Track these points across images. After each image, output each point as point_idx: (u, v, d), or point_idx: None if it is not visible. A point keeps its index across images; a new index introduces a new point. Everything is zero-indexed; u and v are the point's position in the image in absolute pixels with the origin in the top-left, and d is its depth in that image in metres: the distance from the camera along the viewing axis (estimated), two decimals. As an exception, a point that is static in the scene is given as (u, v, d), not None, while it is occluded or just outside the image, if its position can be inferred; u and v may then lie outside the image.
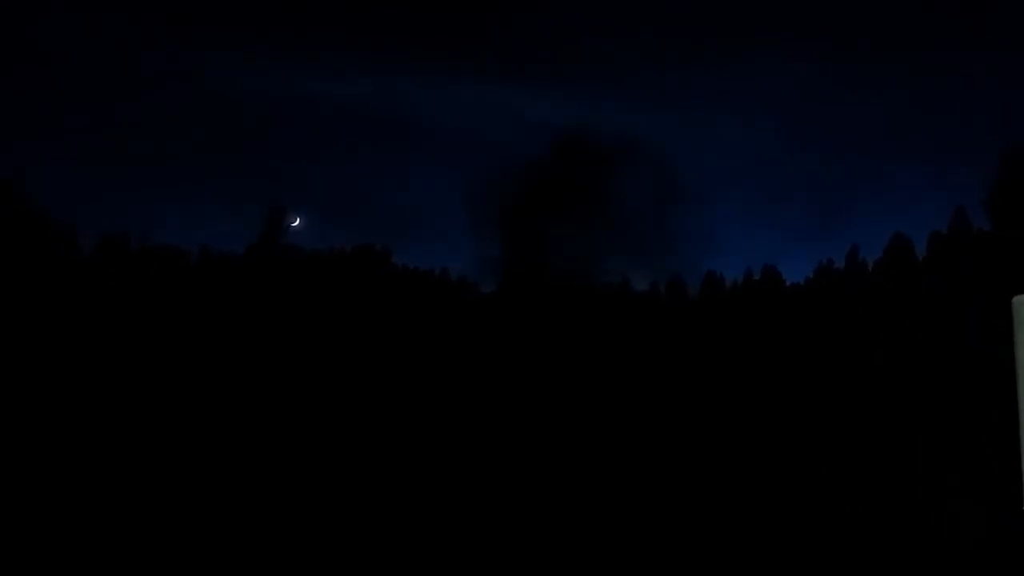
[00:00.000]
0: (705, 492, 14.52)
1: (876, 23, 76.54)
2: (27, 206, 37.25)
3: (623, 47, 65.98)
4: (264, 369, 25.51)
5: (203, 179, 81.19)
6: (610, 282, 38.44)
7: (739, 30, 68.92)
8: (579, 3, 74.23)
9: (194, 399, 21.52)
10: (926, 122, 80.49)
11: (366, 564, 11.28)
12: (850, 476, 14.31)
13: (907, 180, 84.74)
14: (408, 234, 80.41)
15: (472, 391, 24.24)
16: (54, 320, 27.09)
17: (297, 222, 45.73)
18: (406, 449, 17.99)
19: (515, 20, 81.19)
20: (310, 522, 12.78)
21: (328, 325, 32.89)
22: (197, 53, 78.23)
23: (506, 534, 12.38)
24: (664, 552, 11.94)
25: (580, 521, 12.94)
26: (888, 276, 40.26)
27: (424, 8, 72.20)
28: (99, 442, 16.89)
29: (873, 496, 12.88)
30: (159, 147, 71.59)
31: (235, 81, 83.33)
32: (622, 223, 36.22)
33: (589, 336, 30.88)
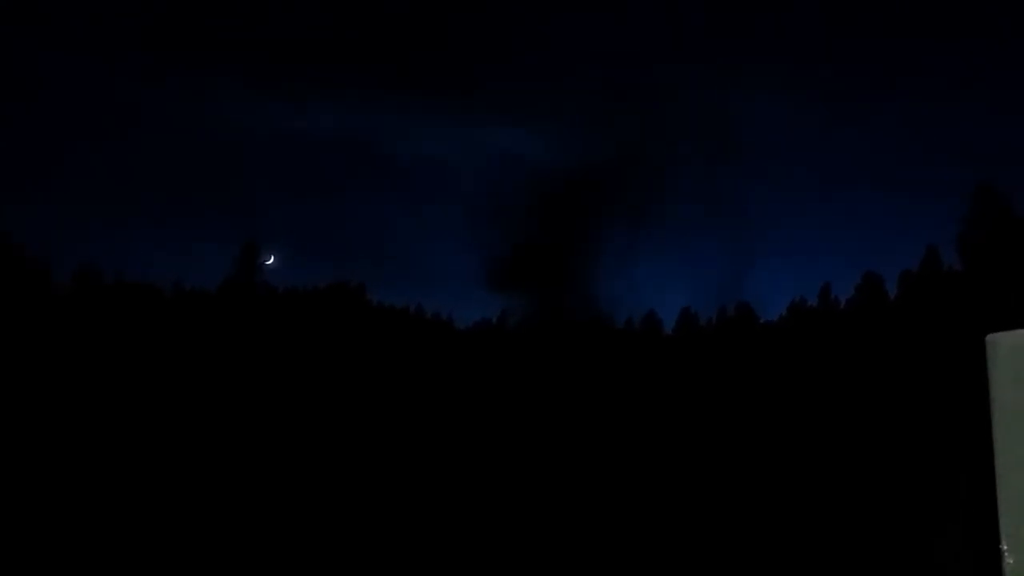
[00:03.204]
0: (675, 534, 14.49)
1: (849, 62, 78.22)
2: (0, 240, 36.89)
3: (595, 82, 67.08)
4: (235, 405, 25.25)
5: (177, 215, 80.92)
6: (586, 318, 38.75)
7: (713, 67, 70.10)
8: (556, 41, 75.42)
9: (166, 434, 21.24)
10: (899, 159, 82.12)
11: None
12: (827, 514, 14.35)
13: (880, 215, 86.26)
14: (385, 268, 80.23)
15: (444, 427, 24.12)
16: (27, 353, 26.70)
17: (271, 260, 45.64)
18: (380, 486, 17.84)
19: (491, 56, 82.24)
20: (280, 561, 12.61)
21: (300, 362, 32.66)
22: (172, 90, 78.40)
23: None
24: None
25: (553, 557, 12.86)
26: (860, 315, 40.73)
27: (399, 45, 72.95)
28: (73, 475, 16.60)
29: (851, 534, 12.91)
30: (133, 182, 71.32)
31: (210, 117, 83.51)
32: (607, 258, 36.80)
33: (563, 371, 30.89)
